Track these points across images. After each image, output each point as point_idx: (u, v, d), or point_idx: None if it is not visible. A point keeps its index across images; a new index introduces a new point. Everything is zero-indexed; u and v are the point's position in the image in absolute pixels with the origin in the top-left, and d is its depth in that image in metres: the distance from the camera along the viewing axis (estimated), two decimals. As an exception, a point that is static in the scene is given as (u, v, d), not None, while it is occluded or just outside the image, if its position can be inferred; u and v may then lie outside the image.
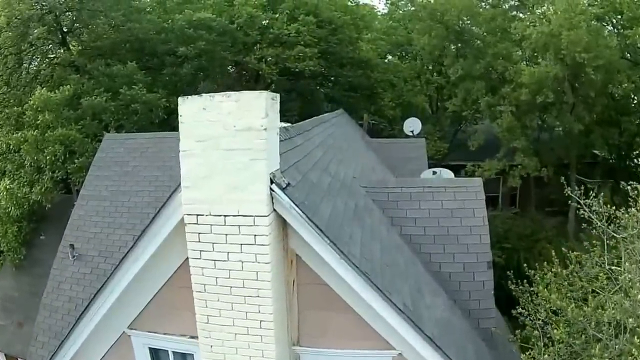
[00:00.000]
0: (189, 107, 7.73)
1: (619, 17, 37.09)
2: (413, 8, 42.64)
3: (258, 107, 7.45)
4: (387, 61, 49.36)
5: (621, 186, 37.55)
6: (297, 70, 38.70)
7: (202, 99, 7.60)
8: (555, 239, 38.88)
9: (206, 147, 7.86)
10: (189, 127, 7.85)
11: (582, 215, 13.85)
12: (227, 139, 7.66)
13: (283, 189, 7.92)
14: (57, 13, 32.58)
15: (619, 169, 41.54)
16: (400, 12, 46.24)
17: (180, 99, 7.71)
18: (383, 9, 54.10)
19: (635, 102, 38.10)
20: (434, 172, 24.23)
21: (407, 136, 34.24)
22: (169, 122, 33.01)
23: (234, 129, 7.51)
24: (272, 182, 7.91)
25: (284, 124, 12.36)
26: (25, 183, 28.87)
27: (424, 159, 28.42)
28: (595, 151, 42.11)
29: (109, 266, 17.44)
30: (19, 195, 28.42)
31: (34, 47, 33.72)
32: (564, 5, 31.96)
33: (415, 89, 48.14)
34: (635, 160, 44.07)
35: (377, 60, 46.30)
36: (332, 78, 44.91)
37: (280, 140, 8.91)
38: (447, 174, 24.44)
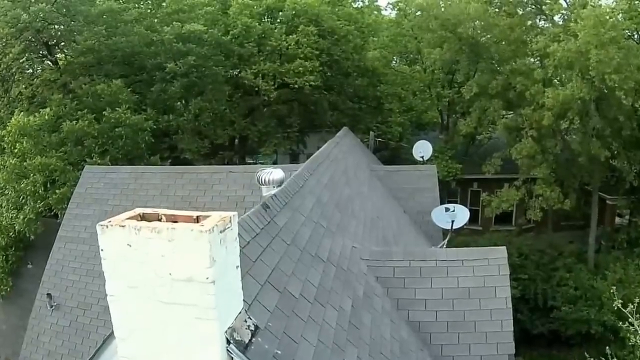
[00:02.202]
0: (110, 241, 5.48)
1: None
2: (419, 13, 41.01)
3: (199, 253, 5.24)
4: (395, 70, 47.83)
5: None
6: (296, 86, 37.25)
7: (126, 232, 5.37)
8: (574, 267, 37.57)
9: (139, 295, 5.64)
10: (114, 266, 5.59)
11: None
12: (164, 288, 5.49)
13: (244, 349, 5.80)
14: (39, 28, 31.39)
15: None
16: (408, 20, 44.65)
17: (98, 228, 5.57)
18: (390, 13, 52.61)
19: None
20: (447, 209, 22.74)
21: (416, 161, 32.59)
22: (158, 144, 32.02)
23: (169, 277, 5.38)
24: (228, 342, 5.80)
25: (270, 190, 11.04)
26: (11, 208, 28.15)
27: (435, 190, 26.86)
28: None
29: (87, 319, 17.66)
30: (3, 222, 28.04)
31: (13, 65, 32.78)
32: (592, 20, 30.13)
33: (425, 103, 46.59)
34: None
35: (384, 69, 44.79)
36: (336, 87, 43.21)
37: (254, 236, 7.84)
38: (462, 211, 22.85)
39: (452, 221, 22.10)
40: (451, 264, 11.86)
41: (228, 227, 5.60)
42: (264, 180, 11.88)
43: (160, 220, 5.69)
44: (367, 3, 50.60)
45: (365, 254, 12.55)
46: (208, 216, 5.51)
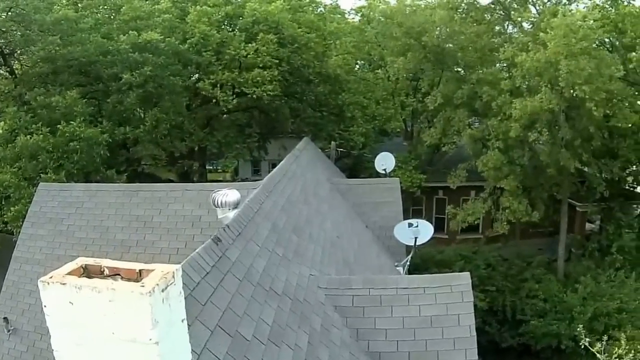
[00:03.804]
0: (52, 299, 5.44)
1: (622, 37, 36.04)
2: (383, 19, 41.12)
3: (141, 315, 5.16)
4: (358, 77, 47.84)
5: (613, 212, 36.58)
6: (254, 96, 37.09)
7: (67, 289, 5.30)
8: (544, 278, 37.83)
9: (86, 353, 5.56)
10: (58, 323, 5.53)
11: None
12: (109, 347, 5.43)
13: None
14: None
15: (611, 193, 40.48)
16: (372, 27, 44.74)
17: (40, 284, 5.49)
18: (353, 18, 52.72)
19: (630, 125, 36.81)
20: (410, 224, 22.78)
21: (379, 174, 32.64)
22: (114, 157, 32.24)
23: (113, 336, 5.33)
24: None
25: (226, 212, 10.97)
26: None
27: (398, 204, 26.91)
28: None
29: (45, 344, 17.01)
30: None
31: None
32: (563, 29, 30.33)
33: (388, 111, 46.67)
34: (630, 185, 43.66)
35: (347, 76, 44.77)
36: (298, 95, 43.30)
37: (204, 275, 7.72)
38: (426, 227, 22.91)
39: (416, 237, 22.18)
40: (412, 292, 11.80)
41: (171, 284, 5.50)
42: (219, 202, 11.83)
43: (102, 272, 5.65)
44: (328, 9, 50.65)
45: (323, 282, 12.50)
46: (151, 270, 5.45)
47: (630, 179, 46.25)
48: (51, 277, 5.47)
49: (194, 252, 8.76)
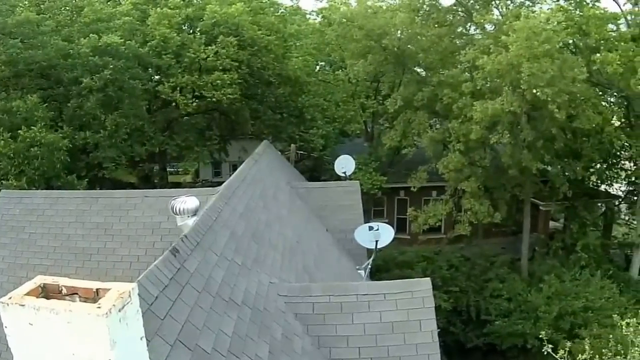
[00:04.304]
0: (12, 320, 5.53)
1: (586, 39, 36.39)
2: (343, 21, 41.26)
3: (98, 336, 5.28)
4: (318, 79, 48.01)
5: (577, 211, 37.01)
6: (214, 99, 37.20)
7: (26, 311, 5.41)
8: (508, 277, 38.12)
9: None
10: (19, 343, 5.61)
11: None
12: None
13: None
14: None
15: (575, 192, 40.91)
16: (332, 30, 44.82)
17: (0, 306, 5.60)
18: (315, 19, 52.82)
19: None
20: (371, 228, 22.88)
21: (339, 177, 32.76)
22: (75, 162, 32.41)
23: (73, 357, 5.44)
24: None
25: (185, 219, 11.68)
26: None
27: (358, 207, 26.91)
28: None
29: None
30: None
31: None
32: (526, 32, 30.64)
33: (349, 113, 46.87)
34: (594, 183, 44.15)
35: (307, 78, 44.99)
36: (258, 97, 43.49)
37: (162, 289, 7.83)
38: (387, 230, 23.02)
39: (377, 241, 22.29)
40: (373, 298, 11.80)
41: (128, 303, 5.62)
42: (178, 210, 11.93)
43: (60, 292, 5.75)
44: (289, 11, 50.79)
45: (283, 289, 12.48)
46: (108, 289, 5.54)
47: (594, 177, 46.82)
48: (10, 298, 5.56)
49: (152, 265, 8.73)
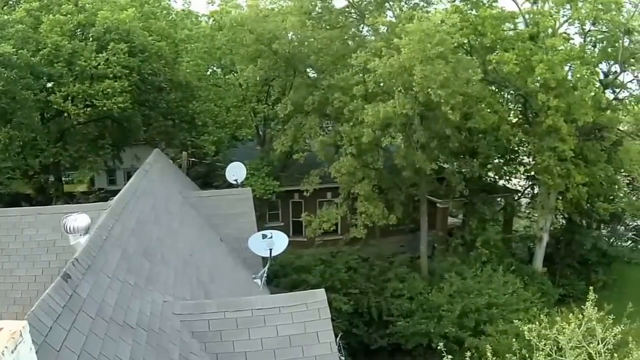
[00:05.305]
0: None
1: (482, 39, 37.28)
2: (233, 24, 41.45)
3: None
4: (209, 84, 48.11)
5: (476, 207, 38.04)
6: (105, 108, 37.16)
7: None
8: (408, 276, 38.70)
9: None
10: None
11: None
12: None
13: None
14: None
15: (473, 188, 41.97)
16: (223, 34, 44.80)
17: None
18: (207, 22, 52.57)
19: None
20: (264, 236, 23.09)
21: (231, 185, 32.99)
22: None
23: (-31, 403, 5.69)
24: None
25: (77, 237, 11.93)
26: None
27: (251, 214, 27.20)
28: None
29: None
30: None
31: None
32: (419, 34, 31.30)
33: (239, 119, 47.08)
34: (492, 179, 45.23)
35: (198, 82, 45.35)
36: (149, 103, 43.59)
37: (56, 318, 7.94)
38: (281, 238, 23.29)
39: (271, 249, 22.57)
40: (268, 312, 12.04)
41: (20, 342, 5.85)
42: (70, 228, 12.11)
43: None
44: (179, 16, 50.65)
45: (178, 308, 12.59)
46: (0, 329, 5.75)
47: (491, 173, 47.98)
48: None
49: (44, 294, 8.76)
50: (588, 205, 44.77)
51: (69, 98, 37.66)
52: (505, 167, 47.68)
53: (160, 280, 14.31)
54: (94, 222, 13.06)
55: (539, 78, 34.79)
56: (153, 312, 11.90)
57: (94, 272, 11.03)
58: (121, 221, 15.15)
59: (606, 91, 41.70)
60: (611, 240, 55.20)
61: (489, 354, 20.10)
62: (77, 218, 12.25)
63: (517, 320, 23.10)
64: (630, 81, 42.10)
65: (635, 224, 56.66)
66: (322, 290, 12.83)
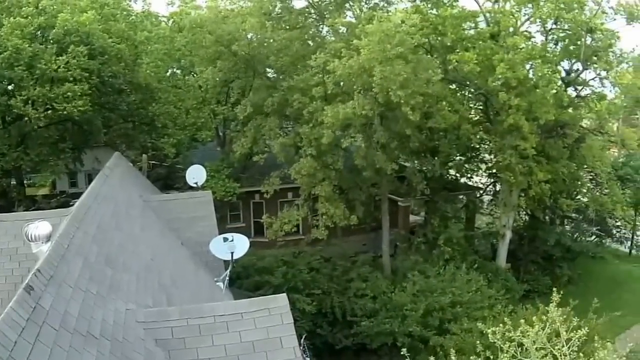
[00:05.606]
0: None
1: (443, 38, 37.55)
2: (193, 26, 41.51)
3: None
4: (169, 85, 48.05)
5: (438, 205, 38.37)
6: (65, 112, 36.98)
7: None
8: (370, 276, 38.85)
9: None
10: None
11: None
12: None
13: None
14: None
15: (433, 186, 42.33)
16: (182, 36, 44.79)
17: None
18: (167, 23, 52.47)
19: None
20: (225, 239, 23.13)
21: (192, 187, 33.02)
22: None
23: None
24: None
25: (40, 245, 11.98)
26: None
27: (212, 217, 27.19)
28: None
29: None
30: None
31: None
32: (378, 35, 31.49)
33: (199, 121, 47.13)
34: (453, 177, 45.58)
35: (158, 84, 45.29)
36: (109, 105, 43.52)
37: (20, 332, 8.01)
38: (242, 241, 23.34)
39: (232, 252, 22.65)
40: (230, 319, 12.09)
41: None
42: (32, 236, 12.17)
43: None
44: (139, 17, 50.51)
45: (141, 315, 12.55)
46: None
47: (453, 171, 48.37)
48: None
49: (7, 307, 8.72)
50: (551, 201, 45.22)
51: (30, 102, 37.56)
52: (466, 165, 48.10)
53: (123, 287, 14.24)
54: (55, 229, 13.06)
55: (500, 77, 35.04)
56: (116, 320, 11.84)
57: (56, 282, 10.98)
58: (82, 228, 15.08)
59: (568, 89, 42.23)
60: (575, 235, 55.62)
61: (452, 357, 20.20)
62: (39, 226, 12.30)
63: (480, 323, 23.20)
64: (593, 79, 42.67)
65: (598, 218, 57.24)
66: (284, 295, 12.83)
